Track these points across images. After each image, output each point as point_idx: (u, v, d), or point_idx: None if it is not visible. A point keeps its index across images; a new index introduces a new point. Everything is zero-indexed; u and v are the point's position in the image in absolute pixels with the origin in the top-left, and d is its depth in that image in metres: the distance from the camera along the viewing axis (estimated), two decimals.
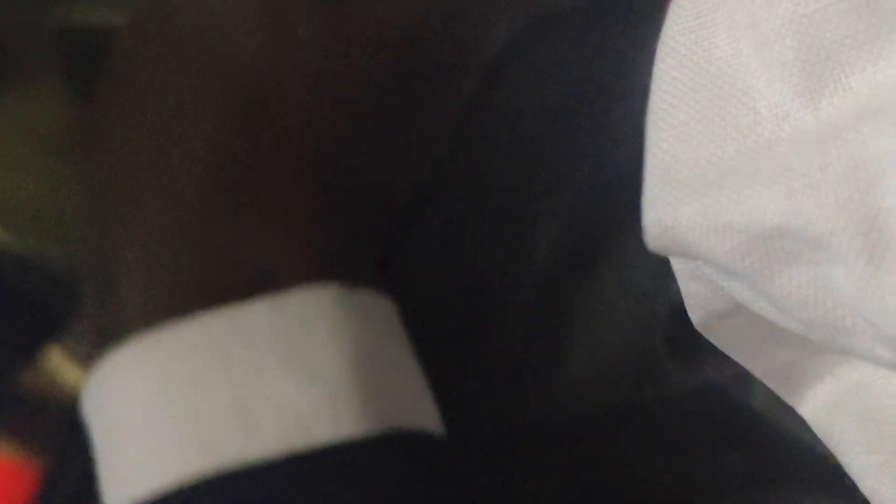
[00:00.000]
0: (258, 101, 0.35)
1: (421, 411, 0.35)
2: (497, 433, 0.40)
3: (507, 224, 0.39)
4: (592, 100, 0.38)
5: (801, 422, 0.20)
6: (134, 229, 0.37)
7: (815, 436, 0.20)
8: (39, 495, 0.68)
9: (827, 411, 0.20)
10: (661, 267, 0.20)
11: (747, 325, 0.19)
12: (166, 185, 0.37)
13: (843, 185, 0.14)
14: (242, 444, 0.33)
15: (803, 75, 0.15)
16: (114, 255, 0.38)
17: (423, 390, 0.36)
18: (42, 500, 0.68)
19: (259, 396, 0.33)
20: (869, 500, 0.18)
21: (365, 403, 0.33)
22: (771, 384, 0.20)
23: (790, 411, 0.19)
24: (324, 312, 0.34)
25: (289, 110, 0.35)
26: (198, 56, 0.36)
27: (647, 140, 0.18)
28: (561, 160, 0.38)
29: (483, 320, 0.40)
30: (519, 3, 0.37)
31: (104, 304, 0.39)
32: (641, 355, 0.40)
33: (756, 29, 0.16)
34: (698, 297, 0.19)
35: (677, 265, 0.18)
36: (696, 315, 0.19)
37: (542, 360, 0.41)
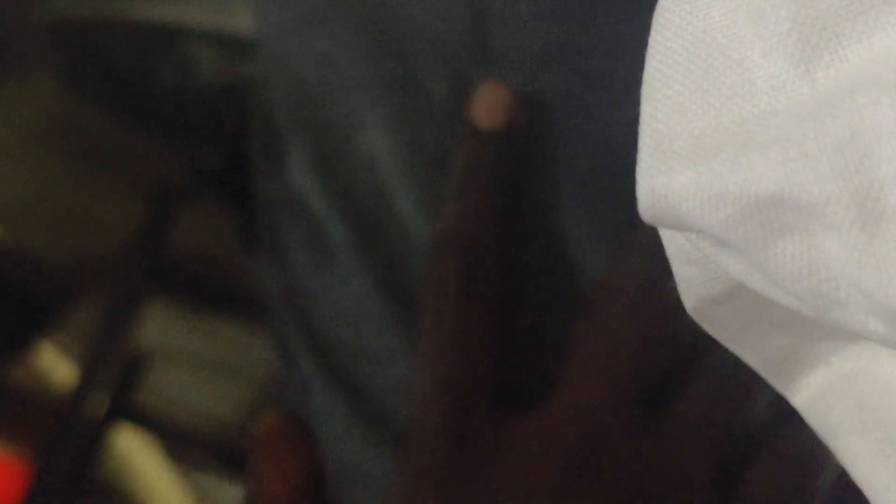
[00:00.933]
0: None
1: None
2: None
3: None
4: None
5: None
6: None
7: None
8: (29, 490, 0.68)
9: (820, 400, 0.19)
10: None
11: (741, 312, 0.18)
12: None
13: (839, 155, 0.14)
14: None
15: (799, 46, 0.14)
16: None
17: None
18: (32, 496, 0.68)
19: None
20: (860, 486, 0.18)
21: None
22: (764, 374, 0.20)
23: None
24: None
25: None
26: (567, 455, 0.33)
27: (642, 111, 0.17)
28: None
29: None
30: None
31: None
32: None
33: (751, 0, 0.16)
34: (692, 282, 0.19)
35: (670, 248, 0.18)
36: (689, 301, 0.19)
37: None
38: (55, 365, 0.77)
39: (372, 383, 0.36)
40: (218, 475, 0.77)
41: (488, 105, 0.34)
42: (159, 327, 0.76)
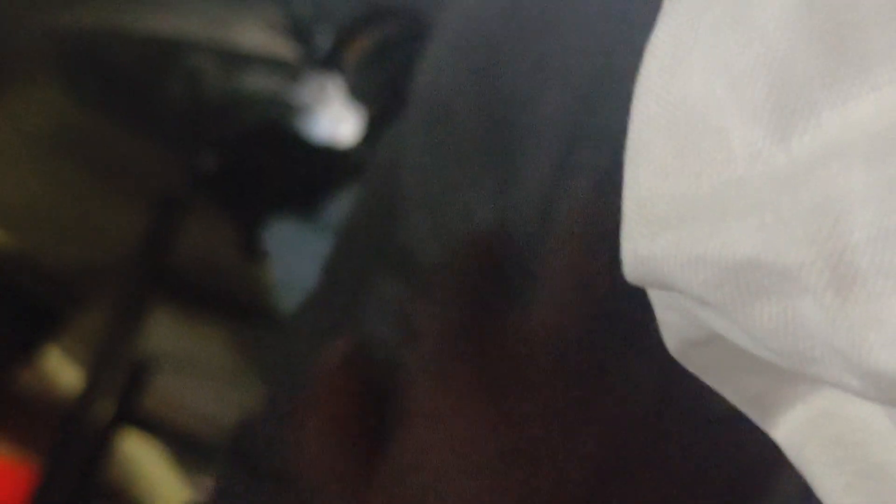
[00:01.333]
0: None
1: None
2: None
3: None
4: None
5: None
6: None
7: None
8: (35, 495, 0.69)
9: (798, 435, 0.20)
10: None
11: (721, 355, 0.19)
12: None
13: (812, 220, 0.14)
14: None
15: (775, 115, 0.15)
16: None
17: None
18: (38, 500, 0.69)
19: None
20: None
21: None
22: (744, 409, 0.20)
23: None
24: None
25: None
26: None
27: (625, 174, 0.18)
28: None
29: None
30: None
31: None
32: None
33: (729, 70, 0.16)
34: (673, 326, 0.19)
35: (653, 295, 0.19)
36: (671, 343, 0.19)
37: None
38: (61, 370, 0.77)
39: None
40: None
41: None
42: (164, 333, 0.77)
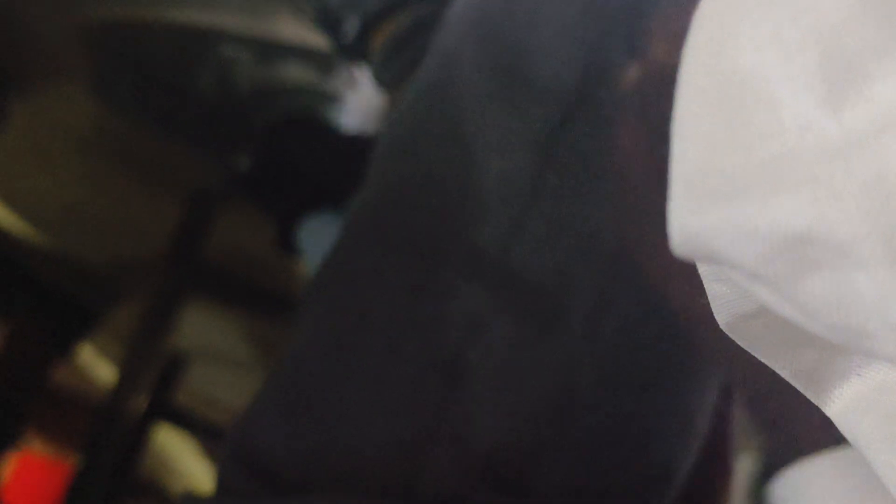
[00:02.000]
0: None
1: None
2: None
3: None
4: None
5: None
6: None
7: None
8: (70, 490, 0.69)
9: (853, 410, 0.20)
10: None
11: (772, 326, 0.18)
12: None
13: (866, 195, 0.14)
14: None
15: (826, 85, 0.15)
16: None
17: None
18: (73, 495, 0.69)
19: None
20: (893, 496, 0.18)
21: None
22: (797, 384, 0.20)
23: None
24: None
25: None
26: None
27: (673, 149, 0.18)
28: None
29: None
30: None
31: None
32: None
33: (780, 40, 0.15)
34: (724, 300, 0.19)
35: (702, 268, 0.18)
36: (722, 317, 0.19)
37: None
38: (96, 366, 0.78)
39: None
40: None
41: None
42: (197, 328, 0.77)
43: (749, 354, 0.20)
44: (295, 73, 0.67)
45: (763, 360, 0.19)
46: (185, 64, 0.67)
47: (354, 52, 0.65)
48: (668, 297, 0.37)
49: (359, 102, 0.70)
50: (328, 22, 0.66)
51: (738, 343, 0.19)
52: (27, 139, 0.68)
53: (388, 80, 0.66)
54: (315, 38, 0.66)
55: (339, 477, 0.36)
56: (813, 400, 0.20)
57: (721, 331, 0.19)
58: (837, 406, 0.20)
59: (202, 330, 0.78)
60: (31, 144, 0.68)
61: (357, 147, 0.71)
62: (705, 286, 0.19)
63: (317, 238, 0.72)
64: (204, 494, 0.38)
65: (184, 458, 0.81)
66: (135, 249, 0.74)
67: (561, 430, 0.37)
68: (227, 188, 0.71)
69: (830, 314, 0.16)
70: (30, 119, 0.68)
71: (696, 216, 0.16)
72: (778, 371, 0.20)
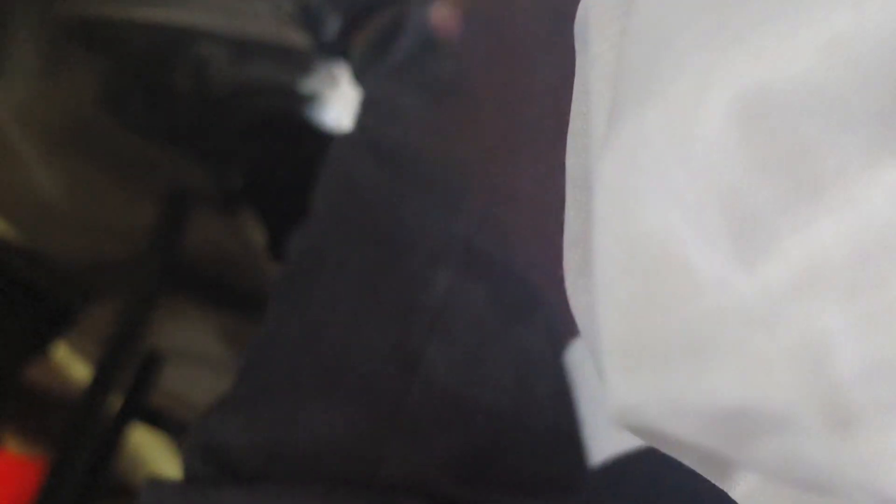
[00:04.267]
0: None
1: None
2: None
3: None
4: None
5: None
6: None
7: None
8: (44, 488, 0.69)
9: (757, 494, 0.19)
10: None
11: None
12: None
13: (794, 362, 0.14)
14: None
15: (735, 243, 0.15)
16: None
17: None
18: (47, 494, 0.69)
19: None
20: None
21: None
22: (701, 471, 0.19)
23: None
24: None
25: None
26: None
27: (598, 320, 0.17)
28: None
29: None
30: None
31: None
32: None
33: (681, 200, 0.15)
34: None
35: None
36: (619, 423, 0.19)
37: None
38: (71, 364, 0.78)
39: None
40: None
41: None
42: (173, 328, 0.77)
43: None
44: (273, 71, 0.67)
45: (663, 451, 0.19)
46: (161, 62, 0.67)
47: (335, 50, 0.65)
48: None
49: (339, 101, 0.70)
50: (309, 20, 0.66)
51: (635, 435, 0.19)
52: (1, 137, 0.68)
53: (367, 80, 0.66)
54: (293, 37, 0.65)
55: (299, 468, 0.36)
56: (717, 484, 0.20)
57: None
58: (742, 489, 0.19)
59: (178, 330, 0.78)
60: (5, 143, 0.68)
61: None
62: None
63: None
64: (169, 479, 0.38)
65: (158, 458, 0.81)
66: (111, 249, 0.74)
67: (521, 423, 0.37)
68: (203, 187, 0.71)
69: (781, 472, 0.15)
70: (4, 117, 0.68)
71: (627, 392, 0.16)
72: (679, 459, 0.19)
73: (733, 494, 0.19)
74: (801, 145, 0.14)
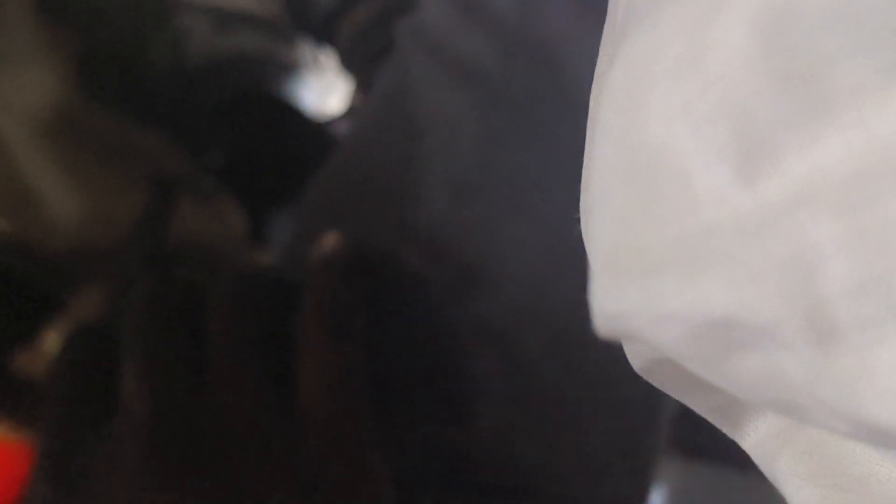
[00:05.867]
0: None
1: None
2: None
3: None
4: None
5: None
6: None
7: None
8: (34, 475, 0.69)
9: (769, 445, 0.20)
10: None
11: (686, 370, 0.19)
12: None
13: (784, 275, 0.14)
14: None
15: (739, 158, 0.15)
16: None
17: None
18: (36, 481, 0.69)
19: None
20: None
21: None
22: (713, 420, 0.20)
23: None
24: None
25: None
26: None
27: (587, 227, 0.18)
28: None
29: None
30: None
31: None
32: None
33: (690, 112, 0.15)
34: (638, 349, 0.19)
35: None
36: (636, 363, 0.19)
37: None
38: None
39: None
40: None
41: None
42: None
43: None
44: (253, 42, 0.66)
45: (676, 398, 0.19)
46: (138, 34, 0.66)
47: (322, 35, 0.65)
48: None
49: (321, 81, 0.70)
50: (297, 3, 0.65)
51: (652, 384, 0.19)
52: None
53: (355, 65, 0.66)
54: (273, 7, 0.65)
55: None
56: (729, 435, 0.20)
57: None
58: (753, 440, 0.20)
59: None
60: None
61: (324, 134, 0.71)
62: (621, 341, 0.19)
63: (281, 225, 0.72)
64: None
65: None
66: (97, 235, 0.74)
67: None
68: (192, 175, 0.70)
69: (760, 391, 0.16)
70: None
71: (612, 298, 0.16)
72: (691, 407, 0.20)
73: (744, 445, 0.20)
74: (817, 63, 0.14)
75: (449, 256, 0.39)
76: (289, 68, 0.70)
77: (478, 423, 0.39)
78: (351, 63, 0.64)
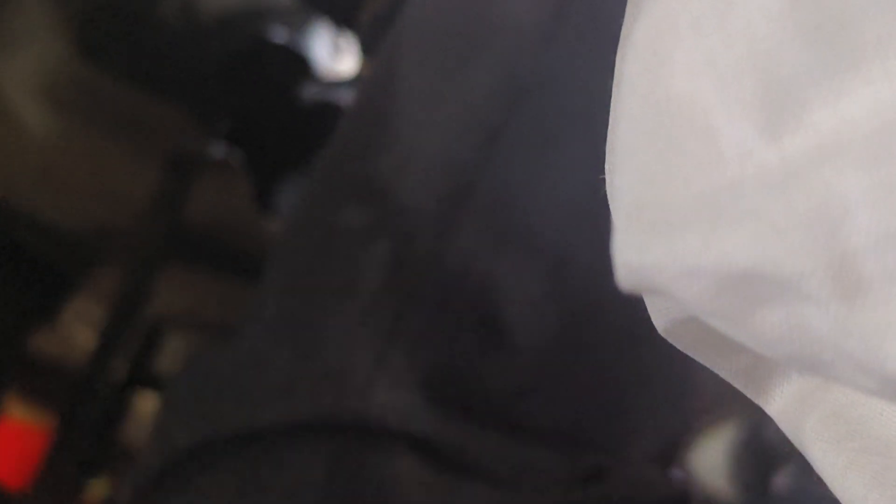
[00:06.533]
0: None
1: None
2: None
3: None
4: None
5: None
6: None
7: None
8: (51, 455, 0.69)
9: (794, 408, 0.19)
10: None
11: (709, 330, 0.18)
12: None
13: (809, 228, 0.14)
14: None
15: (764, 112, 0.14)
16: None
17: None
18: (53, 460, 0.69)
19: None
20: (837, 497, 0.18)
21: None
22: (737, 384, 0.19)
23: None
24: None
25: None
26: None
27: (611, 182, 0.17)
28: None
29: None
30: None
31: None
32: None
33: (714, 67, 0.15)
34: (661, 307, 0.18)
35: None
36: (660, 323, 0.18)
37: None
38: (76, 331, 0.78)
39: None
40: None
41: None
42: (177, 293, 0.77)
43: None
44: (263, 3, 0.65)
45: (701, 361, 0.19)
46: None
47: (343, 19, 0.64)
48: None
49: (331, 37, 0.69)
50: None
51: (676, 346, 0.19)
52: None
53: (376, 50, 0.65)
54: None
55: None
56: (753, 399, 0.19)
57: None
58: (778, 404, 0.19)
59: (183, 295, 0.78)
60: (4, 109, 0.67)
61: (331, 107, 0.70)
62: (644, 296, 0.18)
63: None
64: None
65: None
66: (113, 213, 0.74)
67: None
68: (207, 149, 0.70)
69: (784, 345, 0.15)
70: (2, 82, 0.67)
71: (637, 252, 0.16)
72: (716, 371, 0.19)
73: (769, 410, 0.19)
74: (845, 16, 0.14)
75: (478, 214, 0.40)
76: (300, 22, 0.69)
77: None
78: (371, 47, 0.63)
